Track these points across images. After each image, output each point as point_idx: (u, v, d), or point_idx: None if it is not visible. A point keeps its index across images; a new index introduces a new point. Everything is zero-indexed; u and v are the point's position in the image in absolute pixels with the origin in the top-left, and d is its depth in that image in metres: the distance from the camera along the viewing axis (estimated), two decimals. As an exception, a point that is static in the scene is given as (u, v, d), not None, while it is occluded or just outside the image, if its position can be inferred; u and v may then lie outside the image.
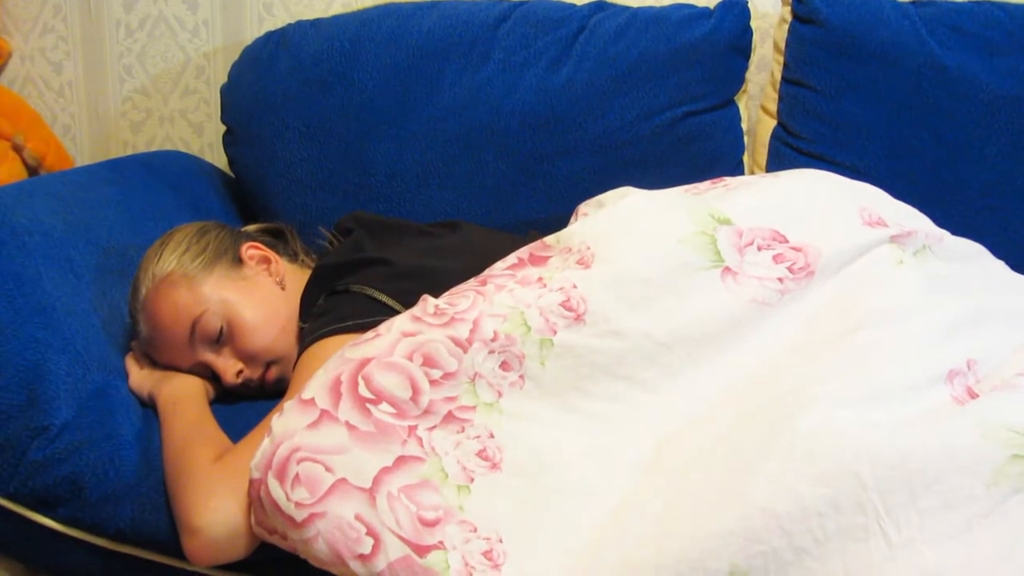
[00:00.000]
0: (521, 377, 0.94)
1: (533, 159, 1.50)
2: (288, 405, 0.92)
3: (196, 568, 0.96)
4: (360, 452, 0.87)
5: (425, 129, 1.53)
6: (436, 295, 1.01)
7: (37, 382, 1.00)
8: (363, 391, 0.90)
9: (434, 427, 0.90)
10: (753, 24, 1.52)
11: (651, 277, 0.95)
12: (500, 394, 0.93)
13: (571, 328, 0.93)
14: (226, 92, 1.64)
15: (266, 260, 1.24)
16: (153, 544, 0.97)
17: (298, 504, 0.85)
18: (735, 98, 1.53)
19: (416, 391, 0.91)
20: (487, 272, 1.04)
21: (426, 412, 0.91)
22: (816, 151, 1.46)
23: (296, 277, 1.25)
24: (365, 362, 0.91)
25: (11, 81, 1.95)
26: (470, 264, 1.10)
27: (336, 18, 1.63)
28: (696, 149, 1.49)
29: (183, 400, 1.08)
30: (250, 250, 1.23)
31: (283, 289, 1.23)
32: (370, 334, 0.96)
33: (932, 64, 1.41)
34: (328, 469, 0.86)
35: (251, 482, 0.89)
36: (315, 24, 1.63)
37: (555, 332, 0.93)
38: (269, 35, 1.64)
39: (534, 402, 0.93)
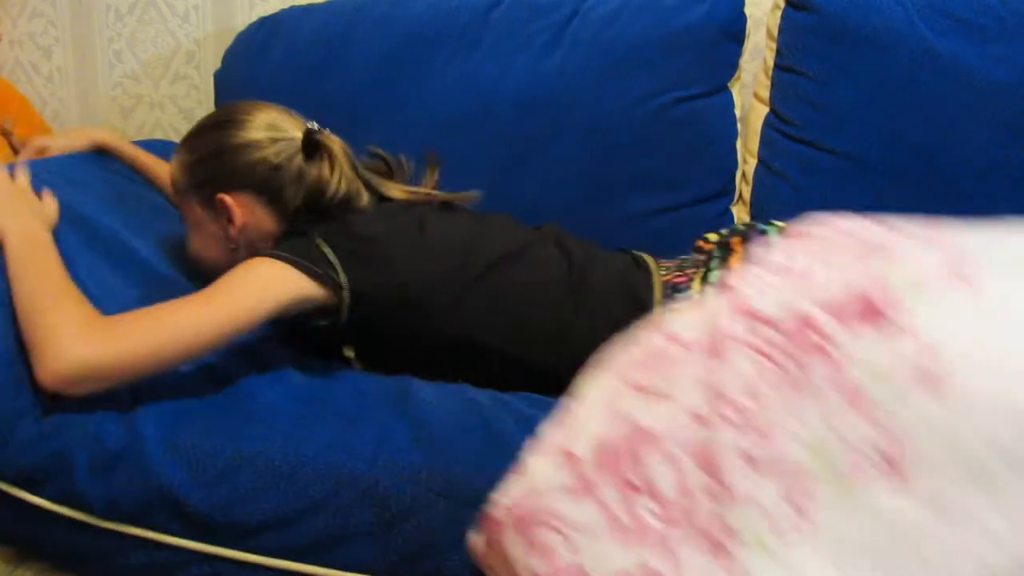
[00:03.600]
0: (806, 518, 0.76)
1: (525, 144, 1.50)
2: (556, 450, 0.83)
3: (185, 545, 0.97)
4: (609, 544, 0.78)
5: (417, 115, 1.52)
6: (389, 282, 1.09)
7: (23, 363, 1.00)
8: (632, 474, 0.79)
9: (688, 543, 0.78)
10: (746, 10, 1.52)
11: None
12: (776, 530, 0.76)
13: (883, 481, 0.74)
14: (219, 78, 1.64)
15: (230, 220, 1.23)
16: (143, 514, 0.96)
17: (531, 573, 0.79)
18: (728, 84, 1.53)
19: (686, 495, 0.78)
20: (790, 328, 0.81)
21: (686, 522, 0.78)
22: (808, 138, 1.46)
23: (267, 236, 1.25)
24: (646, 437, 0.80)
25: (0, 66, 1.94)
26: (445, 267, 1.16)
27: (328, 4, 1.63)
28: (688, 135, 1.49)
29: (41, 249, 1.07)
30: (223, 201, 1.22)
31: (232, 247, 1.24)
32: (661, 382, 0.82)
33: (925, 51, 1.41)
34: (572, 549, 0.79)
35: (488, 515, 0.84)
36: (307, 9, 1.63)
37: (863, 482, 0.74)
38: (262, 21, 1.64)
39: (812, 555, 0.75)
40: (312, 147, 1.24)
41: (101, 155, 1.48)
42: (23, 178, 1.20)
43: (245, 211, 1.23)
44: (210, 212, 1.24)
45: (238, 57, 1.62)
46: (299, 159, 1.23)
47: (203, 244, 1.27)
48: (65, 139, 1.48)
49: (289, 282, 1.10)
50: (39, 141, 1.48)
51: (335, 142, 1.26)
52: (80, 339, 0.96)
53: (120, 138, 1.53)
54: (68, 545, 1.01)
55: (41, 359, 0.97)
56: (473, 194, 1.33)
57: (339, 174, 1.23)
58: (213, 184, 1.22)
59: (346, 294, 1.13)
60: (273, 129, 1.23)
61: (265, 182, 1.22)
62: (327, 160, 1.24)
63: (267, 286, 1.09)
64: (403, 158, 1.37)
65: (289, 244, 1.15)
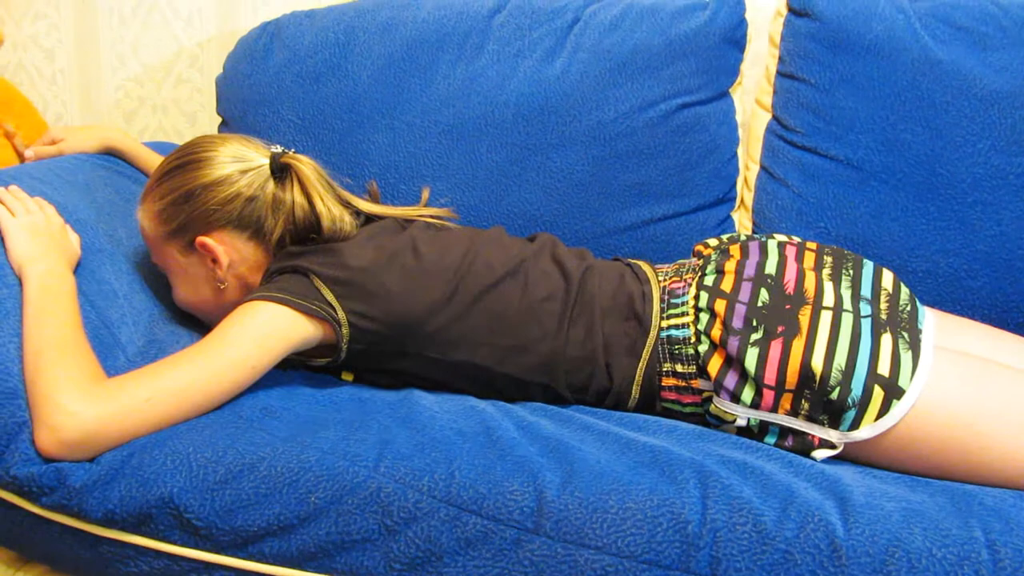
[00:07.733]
0: None
1: (527, 150, 1.50)
2: None
3: (185, 553, 0.97)
4: None
5: (419, 120, 1.52)
6: (386, 313, 1.09)
7: (20, 373, 0.99)
8: None
9: None
10: (748, 17, 1.52)
11: None
12: None
13: None
14: (221, 84, 1.64)
15: (215, 261, 1.20)
16: (142, 521, 0.96)
17: None
18: (730, 91, 1.53)
19: None
20: None
21: None
22: (810, 144, 1.46)
23: (255, 267, 1.22)
24: None
25: (3, 68, 1.94)
26: (441, 292, 1.15)
27: (331, 8, 1.63)
28: (690, 141, 1.49)
29: (59, 297, 1.05)
30: (205, 245, 1.19)
31: (222, 287, 1.21)
32: None
33: (926, 58, 1.41)
34: None
35: None
36: (310, 15, 1.63)
37: None
38: (264, 26, 1.64)
39: None
40: (281, 170, 1.21)
41: (109, 157, 1.48)
42: (54, 214, 1.18)
43: (229, 249, 1.19)
44: (192, 257, 1.21)
45: (240, 62, 1.62)
46: (271, 186, 1.20)
47: (192, 290, 1.23)
48: (78, 138, 1.48)
49: (291, 328, 1.09)
50: (55, 132, 1.49)
51: (304, 162, 1.22)
52: (79, 407, 0.95)
53: (133, 141, 1.52)
54: (68, 551, 1.01)
55: (39, 424, 0.96)
56: (453, 217, 1.33)
57: (315, 194, 1.20)
58: (190, 228, 1.19)
59: (344, 330, 1.13)
60: (240, 160, 1.20)
61: (243, 216, 1.19)
62: (297, 181, 1.21)
63: (269, 335, 1.07)
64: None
65: (282, 281, 1.13)
